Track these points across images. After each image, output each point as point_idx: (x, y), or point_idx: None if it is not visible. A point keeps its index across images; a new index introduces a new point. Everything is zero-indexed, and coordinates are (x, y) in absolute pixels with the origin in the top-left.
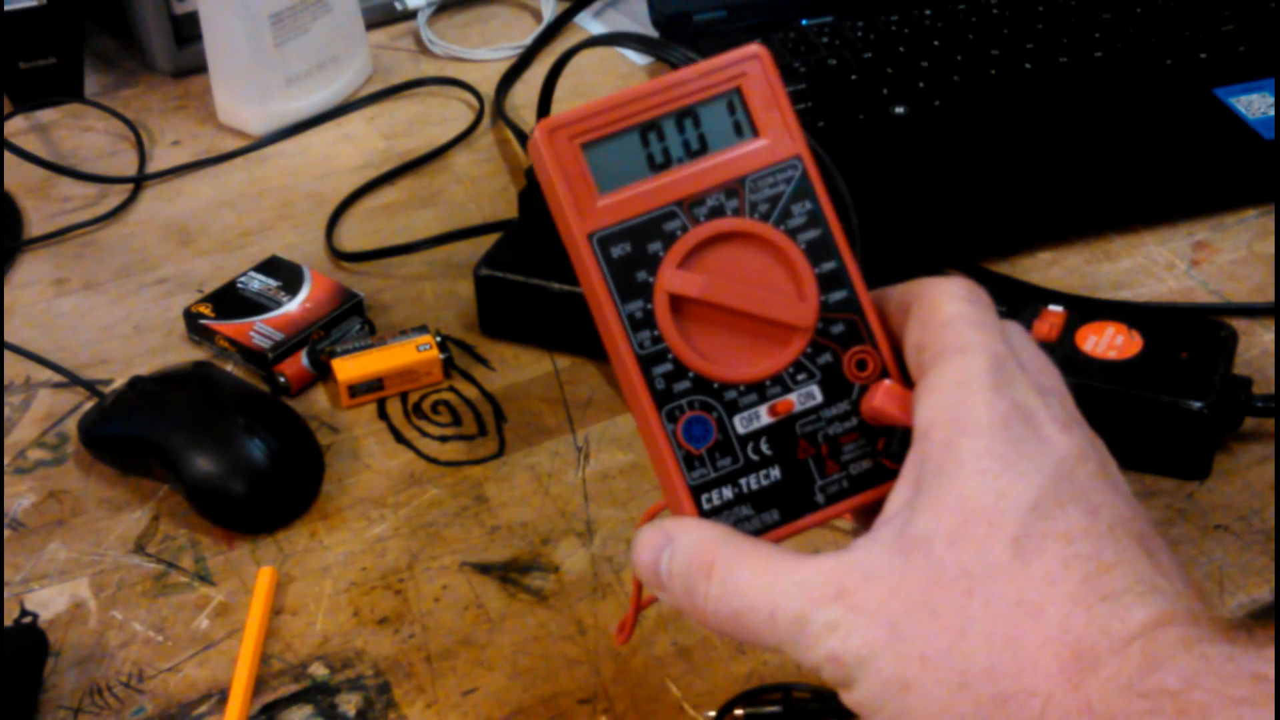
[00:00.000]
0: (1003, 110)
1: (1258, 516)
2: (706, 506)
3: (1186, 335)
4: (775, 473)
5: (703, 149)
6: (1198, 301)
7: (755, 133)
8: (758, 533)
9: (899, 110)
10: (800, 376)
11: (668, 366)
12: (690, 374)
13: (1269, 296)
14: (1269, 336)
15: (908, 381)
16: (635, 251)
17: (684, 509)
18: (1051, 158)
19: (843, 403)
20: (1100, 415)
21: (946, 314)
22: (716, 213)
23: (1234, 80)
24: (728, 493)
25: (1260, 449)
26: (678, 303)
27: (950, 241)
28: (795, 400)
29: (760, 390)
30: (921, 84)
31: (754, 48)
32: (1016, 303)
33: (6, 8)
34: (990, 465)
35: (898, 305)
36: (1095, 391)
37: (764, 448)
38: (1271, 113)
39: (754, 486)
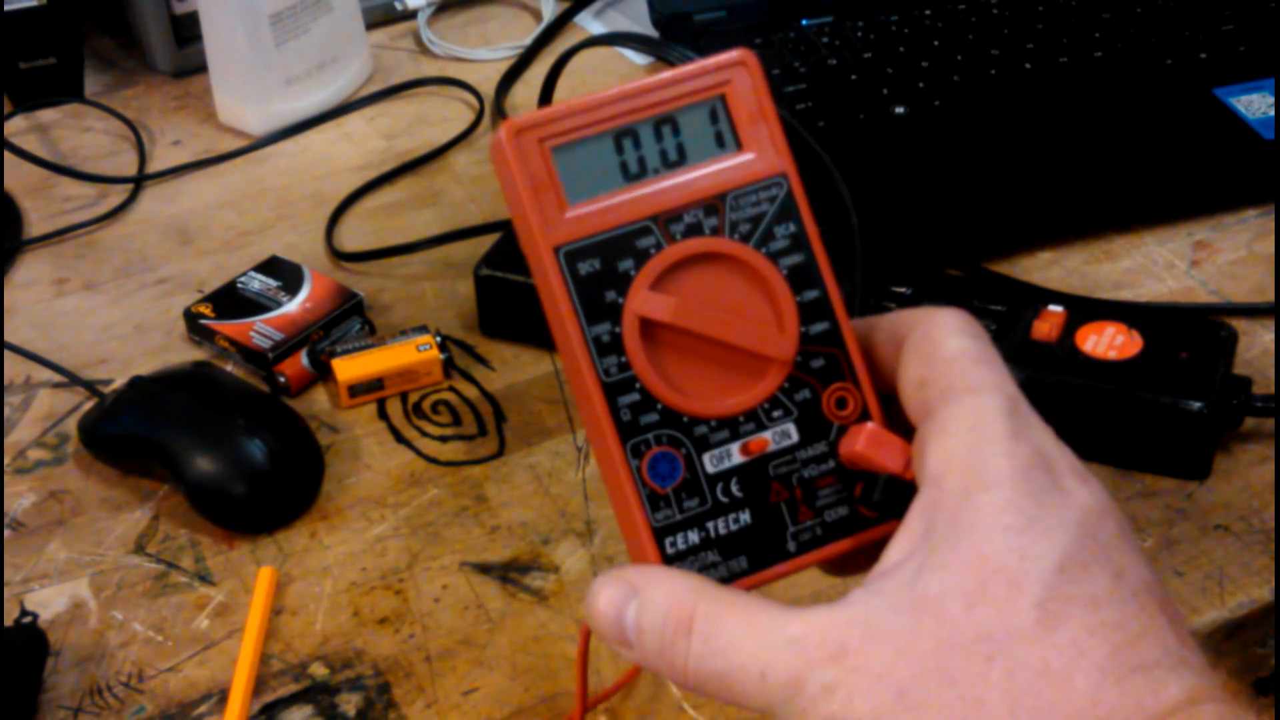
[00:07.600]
0: (1003, 110)
1: (1258, 516)
2: (670, 551)
3: (1186, 335)
4: (745, 517)
5: (681, 160)
6: (1198, 301)
7: (739, 145)
8: (724, 582)
9: (899, 110)
10: (776, 413)
11: (634, 396)
12: (658, 405)
13: (1269, 296)
14: (1269, 336)
15: (891, 423)
16: (605, 269)
17: (645, 553)
18: (1051, 158)
19: (820, 443)
20: (1100, 415)
21: (950, 349)
22: (694, 231)
23: (1234, 80)
24: (694, 537)
25: (1260, 449)
26: (648, 327)
27: (950, 241)
28: (770, 439)
29: (733, 426)
30: (921, 84)
31: (740, 53)
32: (1016, 303)
33: (6, 8)
34: (1012, 520)
35: (888, 338)
36: (1095, 391)
37: (734, 489)
38: (1271, 113)
39: (722, 531)
